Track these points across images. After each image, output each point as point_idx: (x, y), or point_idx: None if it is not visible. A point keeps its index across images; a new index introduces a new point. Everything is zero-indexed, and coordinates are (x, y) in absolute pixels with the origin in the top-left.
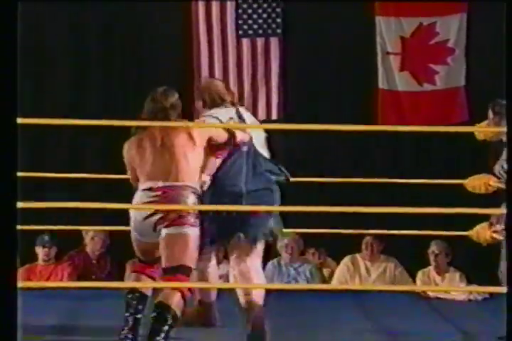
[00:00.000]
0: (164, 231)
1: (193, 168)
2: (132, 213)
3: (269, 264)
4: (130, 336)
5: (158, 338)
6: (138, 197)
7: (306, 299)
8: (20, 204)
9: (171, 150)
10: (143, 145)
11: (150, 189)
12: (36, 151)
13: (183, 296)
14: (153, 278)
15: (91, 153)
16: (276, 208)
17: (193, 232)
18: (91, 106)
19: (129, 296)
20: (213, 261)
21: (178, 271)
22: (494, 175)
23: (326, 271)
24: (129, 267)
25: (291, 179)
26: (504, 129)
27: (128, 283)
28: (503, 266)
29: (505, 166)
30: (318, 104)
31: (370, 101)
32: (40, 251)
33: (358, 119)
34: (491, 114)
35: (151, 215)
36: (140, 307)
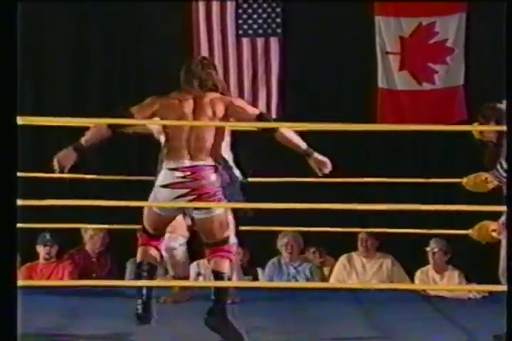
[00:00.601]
0: (197, 216)
1: (217, 145)
2: (158, 189)
3: (270, 263)
4: (144, 307)
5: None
6: (164, 176)
7: (305, 298)
8: (19, 202)
9: (199, 127)
10: (175, 112)
11: (176, 169)
12: (37, 150)
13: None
14: (158, 250)
15: (91, 152)
16: (277, 205)
17: (221, 211)
18: (91, 106)
19: (140, 268)
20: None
21: (221, 244)
22: (494, 175)
23: (326, 270)
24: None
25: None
26: (503, 128)
27: (128, 282)
28: (502, 266)
29: (501, 171)
30: (318, 104)
31: (370, 101)
32: (41, 249)
33: (357, 118)
34: (481, 119)
35: (182, 196)
36: (151, 278)
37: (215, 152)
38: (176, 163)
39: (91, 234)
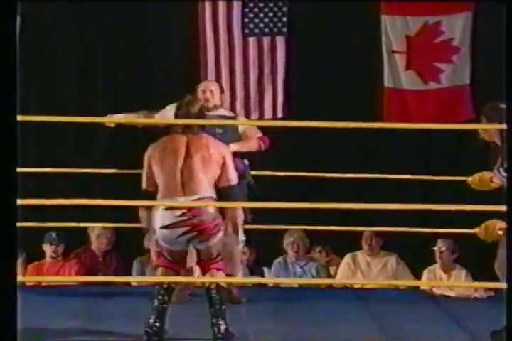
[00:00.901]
0: (200, 247)
1: (210, 179)
2: (160, 231)
3: (276, 262)
4: (157, 324)
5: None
6: (163, 217)
7: (310, 297)
8: (19, 202)
9: (191, 163)
10: (166, 154)
11: (172, 208)
12: (46, 148)
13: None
14: (178, 273)
15: (97, 150)
16: (283, 205)
17: (218, 239)
18: (95, 106)
19: (158, 287)
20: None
21: (215, 259)
22: (495, 175)
23: (332, 269)
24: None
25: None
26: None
27: (132, 278)
28: (497, 264)
29: (502, 171)
30: (324, 103)
31: (376, 100)
32: (47, 248)
33: (363, 117)
34: (483, 120)
35: (184, 234)
36: (166, 298)
37: (208, 184)
38: (172, 201)
39: (97, 233)
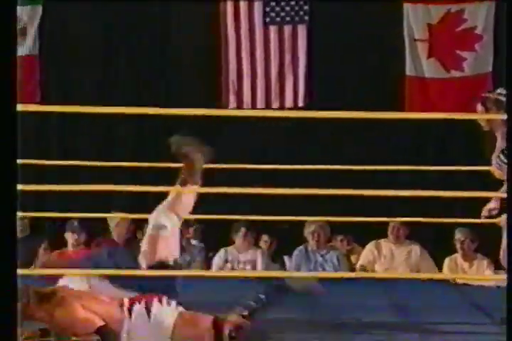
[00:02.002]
0: None
1: None
2: None
3: (297, 251)
4: None
5: None
6: None
7: (332, 285)
8: (20, 187)
9: None
10: None
11: None
12: (70, 139)
13: None
14: None
15: (121, 141)
16: (307, 191)
17: None
18: (119, 96)
19: None
20: None
21: None
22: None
23: (353, 258)
24: None
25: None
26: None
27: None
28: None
29: (502, 157)
30: (345, 92)
31: (398, 89)
32: (69, 236)
33: (385, 106)
34: (480, 108)
35: None
36: None
37: None
38: None
39: (116, 221)
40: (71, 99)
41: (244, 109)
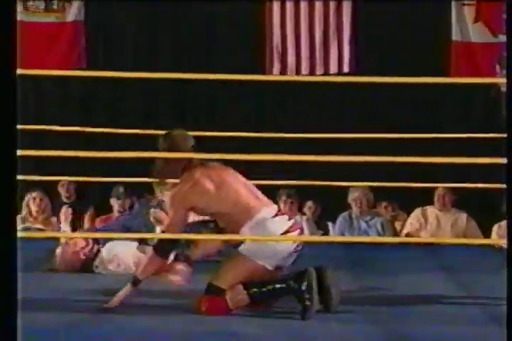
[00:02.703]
0: None
1: None
2: (274, 246)
3: (340, 217)
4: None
5: None
6: (275, 224)
7: (377, 252)
8: (19, 152)
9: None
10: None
11: (277, 215)
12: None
13: None
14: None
15: (165, 108)
16: (345, 158)
17: None
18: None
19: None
20: None
21: None
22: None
23: (398, 225)
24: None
25: None
26: None
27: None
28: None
29: None
30: (391, 58)
31: (444, 54)
32: (114, 202)
33: (431, 72)
34: (498, 69)
35: (298, 246)
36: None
37: None
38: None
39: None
40: (114, 65)
41: (288, 74)
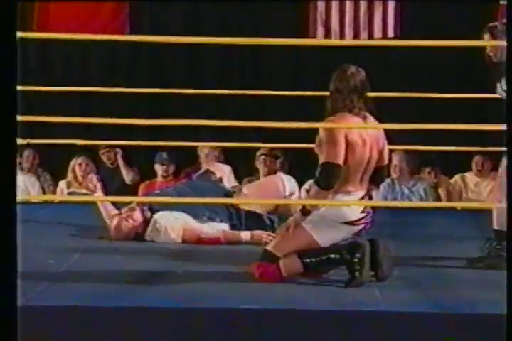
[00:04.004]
0: None
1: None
2: (340, 225)
3: (384, 183)
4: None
5: None
6: (350, 211)
7: (416, 214)
8: (20, 118)
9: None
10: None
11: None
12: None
13: None
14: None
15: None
16: (387, 126)
17: None
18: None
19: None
20: None
21: None
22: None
23: (440, 190)
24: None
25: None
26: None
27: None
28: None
29: (504, 86)
30: (435, 21)
31: (492, 19)
32: (158, 168)
33: (476, 35)
34: (486, 37)
35: (357, 233)
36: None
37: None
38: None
39: (206, 152)
40: (160, 31)
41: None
